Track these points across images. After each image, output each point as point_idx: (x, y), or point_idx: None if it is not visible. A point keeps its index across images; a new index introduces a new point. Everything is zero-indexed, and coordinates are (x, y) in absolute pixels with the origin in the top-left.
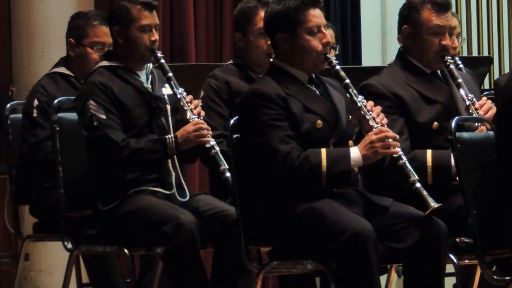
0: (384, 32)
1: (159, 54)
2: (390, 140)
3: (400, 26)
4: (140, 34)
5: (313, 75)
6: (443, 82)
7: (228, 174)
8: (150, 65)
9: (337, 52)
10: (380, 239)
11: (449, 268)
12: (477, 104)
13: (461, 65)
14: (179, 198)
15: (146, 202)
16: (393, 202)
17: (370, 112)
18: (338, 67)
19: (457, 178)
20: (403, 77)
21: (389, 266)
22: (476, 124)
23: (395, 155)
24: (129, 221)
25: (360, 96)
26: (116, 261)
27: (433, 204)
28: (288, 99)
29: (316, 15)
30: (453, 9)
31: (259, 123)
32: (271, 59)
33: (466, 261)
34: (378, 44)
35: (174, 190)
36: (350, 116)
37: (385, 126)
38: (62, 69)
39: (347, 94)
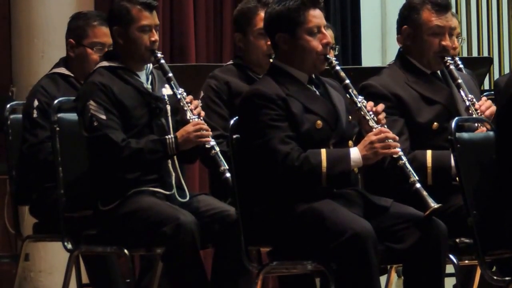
0: (384, 33)
1: (159, 55)
2: (390, 140)
3: (399, 26)
4: (140, 34)
5: (313, 76)
6: (443, 82)
7: (228, 175)
8: (150, 66)
9: (336, 53)
10: (380, 240)
11: (449, 269)
12: (477, 105)
13: (461, 66)
14: (179, 198)
15: (146, 202)
16: (393, 202)
17: (370, 113)
18: (338, 67)
19: (457, 178)
20: (403, 78)
21: (389, 266)
22: (476, 124)
23: (395, 156)
24: (129, 221)
25: (360, 97)
26: (116, 262)
27: (433, 204)
28: (288, 99)
29: (316, 16)
30: (453, 10)
31: (259, 123)
32: (271, 60)
33: (466, 261)
34: (378, 45)
35: (174, 190)
36: (350, 117)
37: (385, 126)
38: (62, 70)
39: (347, 95)
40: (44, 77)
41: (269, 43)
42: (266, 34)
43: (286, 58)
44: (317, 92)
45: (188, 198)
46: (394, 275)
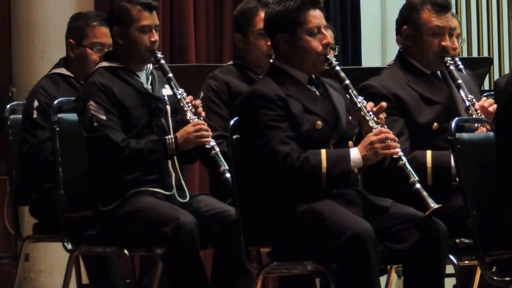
0: (384, 33)
1: (159, 55)
2: (390, 141)
3: (398, 27)
4: (140, 34)
5: (313, 76)
6: (443, 83)
7: (228, 175)
8: (150, 66)
9: (336, 53)
10: (380, 240)
11: (449, 269)
12: (477, 105)
13: (461, 66)
14: (179, 199)
15: (146, 202)
16: (393, 203)
17: (370, 113)
18: (338, 68)
19: (457, 179)
20: (403, 78)
21: (389, 267)
22: (476, 125)
23: (395, 156)
24: (129, 221)
25: (360, 97)
26: (116, 262)
27: (433, 205)
28: (288, 100)
29: (316, 16)
30: (453, 10)
31: (259, 124)
32: (271, 60)
33: (466, 261)
34: (378, 45)
35: (174, 191)
36: (350, 117)
37: (385, 127)
38: (62, 70)
39: (347, 95)
40: (44, 77)
41: (269, 43)
42: (266, 34)
43: (286, 59)
44: (317, 93)
45: (188, 198)
46: (394, 276)
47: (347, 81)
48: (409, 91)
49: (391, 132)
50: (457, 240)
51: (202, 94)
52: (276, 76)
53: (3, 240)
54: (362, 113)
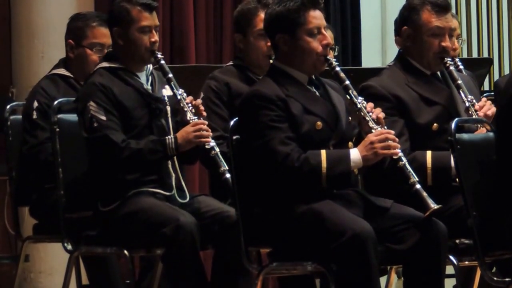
0: (384, 34)
1: (159, 55)
2: (390, 141)
3: (398, 27)
4: (140, 35)
5: (313, 77)
6: (443, 83)
7: (228, 175)
8: (150, 66)
9: (336, 53)
10: (380, 240)
11: (449, 270)
12: (476, 106)
13: (461, 67)
14: (179, 199)
15: (146, 203)
16: (393, 203)
17: (370, 114)
18: (338, 68)
19: (457, 179)
20: (403, 79)
21: (389, 267)
22: (476, 125)
23: (395, 157)
24: (129, 222)
25: (360, 98)
26: (116, 263)
27: (433, 205)
28: (288, 100)
29: (316, 17)
30: (453, 11)
31: (259, 124)
32: (271, 61)
33: (466, 262)
34: (378, 46)
35: (174, 191)
36: (350, 118)
37: (385, 127)
38: (62, 71)
39: (347, 96)
40: (44, 78)
41: (269, 44)
42: (266, 35)
43: (286, 59)
44: (317, 93)
45: (188, 199)
46: (394, 276)
47: (347, 82)
48: (409, 91)
49: (391, 132)
50: (457, 241)
51: (202, 95)
52: (276, 76)
53: (3, 241)
54: (362, 114)
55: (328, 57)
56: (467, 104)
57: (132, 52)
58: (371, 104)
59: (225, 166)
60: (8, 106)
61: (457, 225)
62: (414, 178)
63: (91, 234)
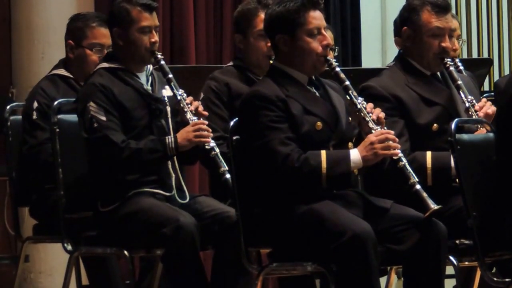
0: (384, 34)
1: (159, 56)
2: (390, 142)
3: (398, 28)
4: (140, 35)
5: (313, 77)
6: (443, 84)
7: (228, 176)
8: (150, 67)
9: (336, 54)
10: (380, 241)
11: (449, 270)
12: (476, 106)
13: (461, 67)
14: (179, 200)
15: (146, 203)
16: (393, 204)
17: (370, 114)
18: (338, 69)
19: (457, 179)
20: (403, 79)
21: (389, 268)
22: (476, 125)
23: (395, 157)
24: (129, 222)
25: (360, 98)
26: (115, 263)
27: (433, 206)
28: (288, 101)
29: (316, 17)
30: (453, 11)
31: (259, 125)
32: (271, 61)
33: (466, 262)
34: (378, 46)
35: (174, 192)
36: (350, 118)
37: (385, 128)
38: (62, 71)
39: (347, 96)
40: (44, 78)
41: (269, 44)
42: (266, 35)
43: (286, 60)
44: (317, 94)
45: (188, 199)
46: (394, 277)
47: (347, 82)
48: (409, 92)
49: (391, 132)
50: (457, 241)
51: (202, 95)
52: (276, 77)
53: (3, 241)
54: (362, 114)
55: (328, 57)
56: (467, 104)
57: (132, 52)
58: (371, 105)
59: (225, 167)
60: (8, 107)
61: (457, 225)
62: (414, 178)
63: (91, 235)
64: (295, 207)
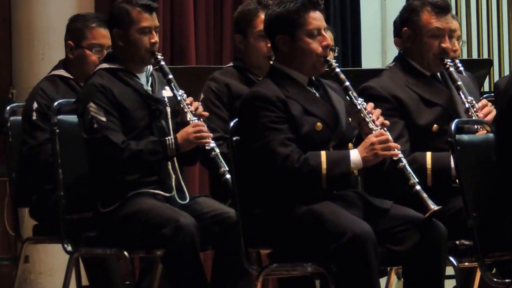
0: (384, 35)
1: (159, 56)
2: (390, 142)
3: (398, 28)
4: (140, 36)
5: (313, 78)
6: (443, 84)
7: (228, 176)
8: (150, 68)
9: (335, 54)
10: (380, 242)
11: (449, 271)
12: (476, 107)
13: (461, 68)
14: (179, 200)
15: (146, 204)
16: (393, 204)
17: (370, 115)
18: (338, 69)
19: (457, 180)
20: (403, 80)
21: (389, 268)
22: (476, 126)
23: (395, 158)
24: (129, 223)
25: (360, 99)
26: (115, 264)
27: (433, 206)
28: (288, 101)
29: (316, 18)
30: (453, 12)
31: (259, 125)
32: (271, 62)
33: (466, 263)
34: (378, 47)
35: (174, 192)
36: (350, 119)
37: (385, 128)
38: (61, 72)
39: (347, 97)
40: (44, 79)
41: (269, 45)
42: (266, 36)
43: (286, 60)
44: (317, 94)
45: (188, 200)
46: (394, 277)
47: (347, 83)
48: (409, 92)
49: (386, 133)
50: (457, 242)
51: (202, 96)
52: (276, 77)
53: (3, 242)
54: (362, 115)
55: (328, 58)
56: (467, 105)
57: (132, 53)
58: (371, 104)
59: (225, 167)
60: (8, 107)
61: (457, 226)
62: (414, 179)
63: (91, 235)
64: (295, 208)
